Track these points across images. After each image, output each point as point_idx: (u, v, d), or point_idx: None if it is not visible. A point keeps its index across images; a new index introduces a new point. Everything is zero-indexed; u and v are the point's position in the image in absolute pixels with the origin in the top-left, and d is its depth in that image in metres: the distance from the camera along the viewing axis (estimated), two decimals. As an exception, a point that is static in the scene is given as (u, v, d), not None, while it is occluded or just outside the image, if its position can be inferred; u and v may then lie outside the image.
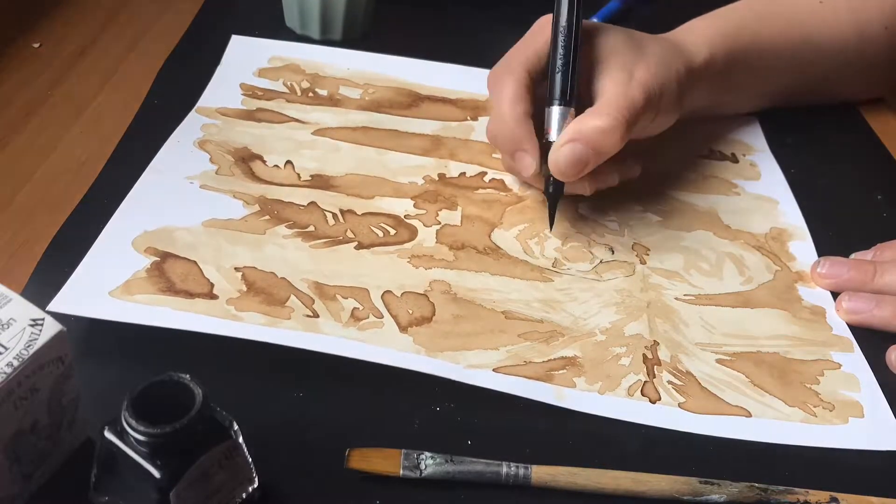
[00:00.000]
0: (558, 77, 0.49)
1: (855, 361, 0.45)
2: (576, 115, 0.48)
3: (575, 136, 0.47)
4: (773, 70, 0.60)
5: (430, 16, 0.70)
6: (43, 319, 0.32)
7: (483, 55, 0.64)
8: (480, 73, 0.62)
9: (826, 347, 0.46)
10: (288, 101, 0.58)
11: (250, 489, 0.34)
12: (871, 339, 0.47)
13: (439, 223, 0.50)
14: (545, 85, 0.50)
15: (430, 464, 0.36)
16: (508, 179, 0.54)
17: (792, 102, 0.63)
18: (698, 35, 0.55)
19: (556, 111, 0.49)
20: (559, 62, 0.49)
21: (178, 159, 0.51)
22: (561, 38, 0.49)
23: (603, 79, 0.49)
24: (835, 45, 0.60)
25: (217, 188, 0.49)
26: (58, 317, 0.32)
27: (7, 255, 0.44)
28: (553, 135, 0.49)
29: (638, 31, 0.53)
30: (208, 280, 0.43)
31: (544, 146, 0.49)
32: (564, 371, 0.42)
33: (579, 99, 0.50)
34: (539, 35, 0.51)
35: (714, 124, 0.62)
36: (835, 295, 0.49)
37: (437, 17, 0.70)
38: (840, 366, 0.45)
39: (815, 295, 0.49)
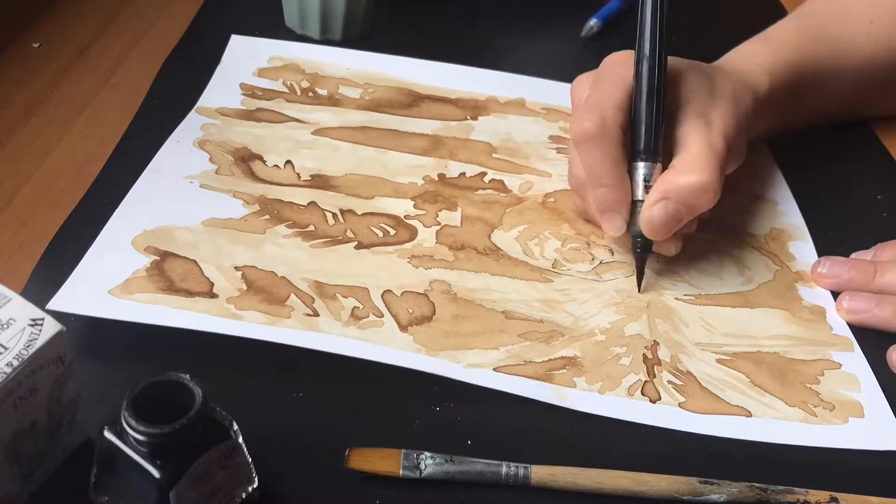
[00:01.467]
0: (643, 132, 0.46)
1: (855, 361, 0.45)
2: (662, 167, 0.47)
3: (667, 193, 0.45)
4: (825, 94, 0.58)
5: (430, 16, 0.70)
6: (42, 319, 0.32)
7: (483, 55, 0.64)
8: (480, 73, 0.62)
9: (826, 347, 0.46)
10: (288, 100, 0.58)
11: (250, 489, 0.34)
12: (871, 339, 0.47)
13: (439, 224, 0.50)
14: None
15: (429, 464, 0.36)
16: (508, 180, 0.54)
17: (830, 122, 0.61)
18: (758, 64, 0.53)
19: (642, 167, 0.47)
20: (644, 116, 0.46)
21: (178, 159, 0.51)
22: (645, 91, 0.46)
23: (682, 126, 0.47)
24: (882, 66, 0.59)
25: (217, 188, 0.49)
26: (57, 316, 0.32)
27: (7, 255, 0.44)
28: (640, 193, 0.47)
29: (702, 63, 0.51)
30: (208, 279, 0.43)
31: (633, 203, 0.47)
32: (564, 371, 0.42)
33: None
34: (620, 79, 0.47)
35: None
36: (835, 295, 0.49)
37: (437, 17, 0.70)
38: (840, 365, 0.45)
39: (815, 295, 0.49)
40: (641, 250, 0.47)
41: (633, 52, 0.48)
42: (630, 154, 0.47)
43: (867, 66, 0.59)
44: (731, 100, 0.49)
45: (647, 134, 0.46)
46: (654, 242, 0.47)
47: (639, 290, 0.48)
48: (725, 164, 0.47)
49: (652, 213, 0.45)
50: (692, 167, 0.45)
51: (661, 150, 0.47)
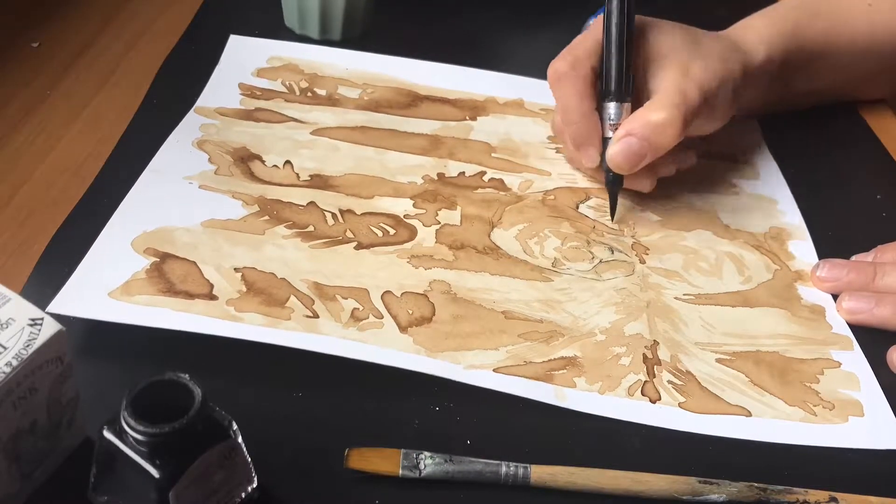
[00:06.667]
0: (613, 72, 0.50)
1: (855, 360, 0.45)
2: (632, 110, 0.50)
3: (631, 130, 0.49)
4: (821, 72, 0.60)
5: (430, 16, 0.70)
6: (42, 319, 0.32)
7: (482, 55, 0.64)
8: (479, 74, 0.63)
9: (826, 346, 0.46)
10: (287, 100, 0.58)
11: (249, 489, 0.34)
12: (871, 338, 0.47)
13: (439, 223, 0.50)
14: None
15: (429, 464, 0.36)
16: (507, 179, 0.54)
17: (821, 102, 0.63)
18: (757, 34, 0.56)
19: (612, 106, 0.51)
20: (613, 57, 0.50)
21: (177, 159, 0.51)
22: (614, 34, 0.50)
23: (660, 76, 0.51)
24: (877, 48, 0.61)
25: (216, 188, 0.49)
26: (57, 317, 0.32)
27: (6, 255, 0.44)
28: (609, 130, 0.51)
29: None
30: (208, 281, 0.43)
31: (603, 140, 0.51)
32: (564, 371, 0.42)
33: (637, 95, 0.51)
34: (597, 31, 0.52)
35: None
36: (835, 294, 0.49)
37: (437, 17, 0.70)
38: (840, 364, 0.45)
39: (815, 294, 0.49)
40: (612, 184, 0.51)
41: None
42: (602, 96, 0.51)
43: (864, 46, 0.60)
44: (717, 58, 0.52)
45: (616, 75, 0.50)
46: (623, 177, 0.51)
47: (612, 220, 0.52)
48: (696, 111, 0.50)
49: (615, 149, 0.49)
50: (657, 106, 0.49)
51: (631, 92, 0.51)
